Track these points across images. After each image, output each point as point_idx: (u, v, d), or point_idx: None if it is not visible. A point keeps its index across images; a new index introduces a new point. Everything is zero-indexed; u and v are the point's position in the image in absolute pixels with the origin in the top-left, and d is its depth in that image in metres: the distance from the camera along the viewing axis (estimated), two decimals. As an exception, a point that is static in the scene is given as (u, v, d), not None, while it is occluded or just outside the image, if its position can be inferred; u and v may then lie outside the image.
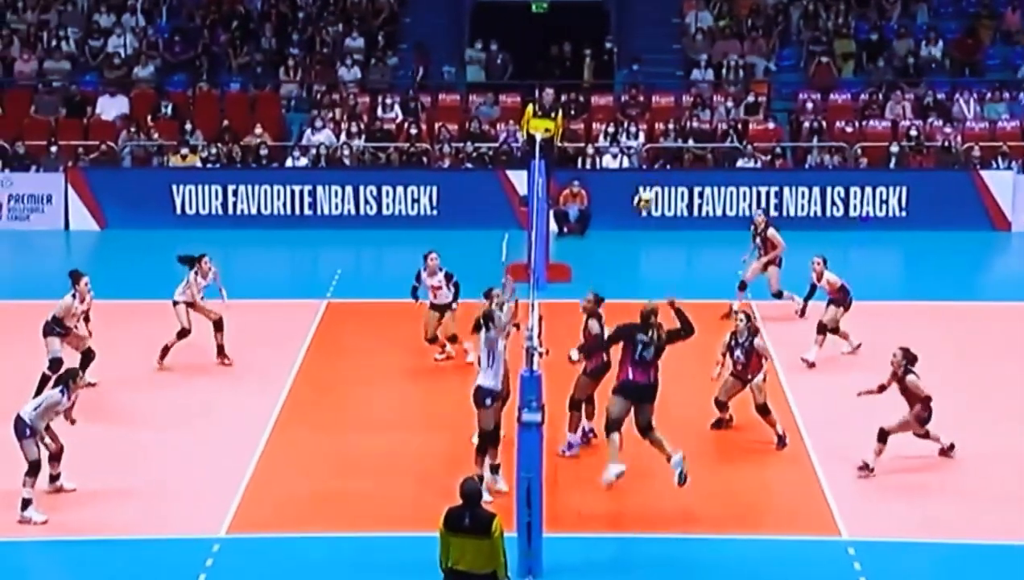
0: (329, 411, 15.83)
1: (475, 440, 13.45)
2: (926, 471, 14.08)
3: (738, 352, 14.63)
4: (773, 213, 24.42)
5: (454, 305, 16.93)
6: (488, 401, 13.04)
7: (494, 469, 13.28)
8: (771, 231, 18.87)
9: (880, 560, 12.25)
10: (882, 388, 14.13)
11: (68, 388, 13.06)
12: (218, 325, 17.00)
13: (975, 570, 12.22)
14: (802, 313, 18.59)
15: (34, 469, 12.83)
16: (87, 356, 15.75)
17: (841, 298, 17.27)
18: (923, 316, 19.32)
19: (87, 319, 15.94)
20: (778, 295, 18.88)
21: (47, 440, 13.10)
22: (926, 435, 14.08)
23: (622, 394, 13.03)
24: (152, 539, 12.61)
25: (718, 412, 14.96)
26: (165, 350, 16.86)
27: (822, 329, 17.11)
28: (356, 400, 16.18)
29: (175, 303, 16.87)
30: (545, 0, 29.14)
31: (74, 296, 15.73)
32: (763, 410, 14.57)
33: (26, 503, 12.77)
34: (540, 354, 12.23)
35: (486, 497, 12.02)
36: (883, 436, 13.79)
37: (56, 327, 15.64)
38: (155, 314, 18.07)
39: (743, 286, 18.83)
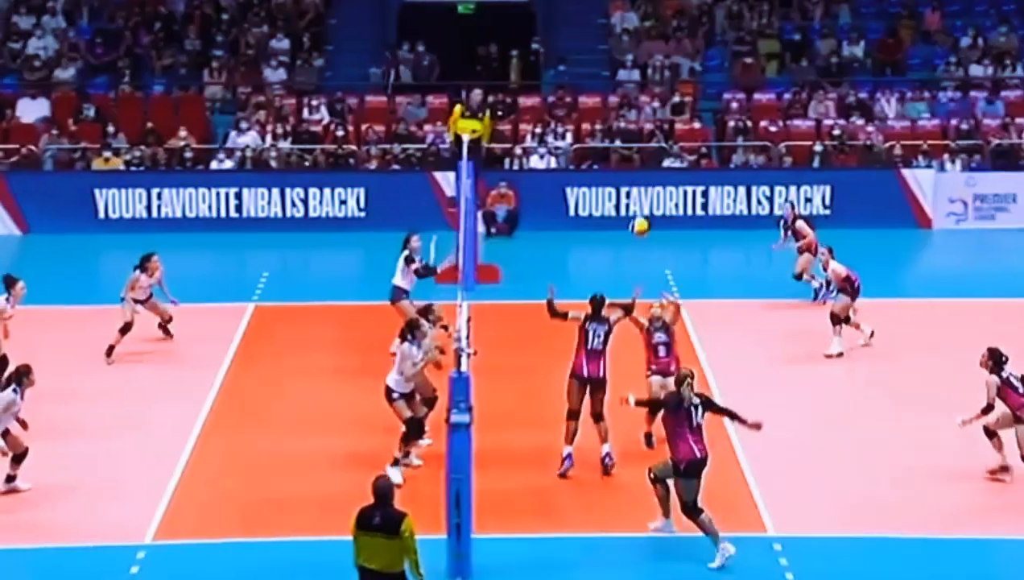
0: (256, 415, 15.71)
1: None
2: (848, 465, 14.25)
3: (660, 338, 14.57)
4: (699, 212, 24.73)
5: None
6: (395, 395, 13.78)
7: (396, 462, 13.68)
8: (799, 223, 19.68)
9: (806, 555, 12.38)
10: (987, 410, 13.53)
11: (21, 386, 13.02)
12: (166, 323, 17.51)
13: (899, 563, 12.38)
14: (815, 296, 19.35)
15: None
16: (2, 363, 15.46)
17: (847, 287, 17.45)
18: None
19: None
20: (798, 277, 19.49)
21: (6, 441, 12.97)
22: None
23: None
24: (77, 547, 12.45)
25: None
26: (111, 348, 17.00)
27: (835, 319, 17.33)
28: (284, 403, 16.07)
29: (122, 299, 16.97)
30: (471, 1, 29.12)
31: (7, 300, 15.51)
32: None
33: None
34: (469, 355, 12.22)
35: (397, 480, 12.40)
36: (990, 434, 13.70)
37: None
38: (79, 319, 17.86)
39: (799, 277, 19.53)
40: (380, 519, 10.08)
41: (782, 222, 20.13)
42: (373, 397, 15.55)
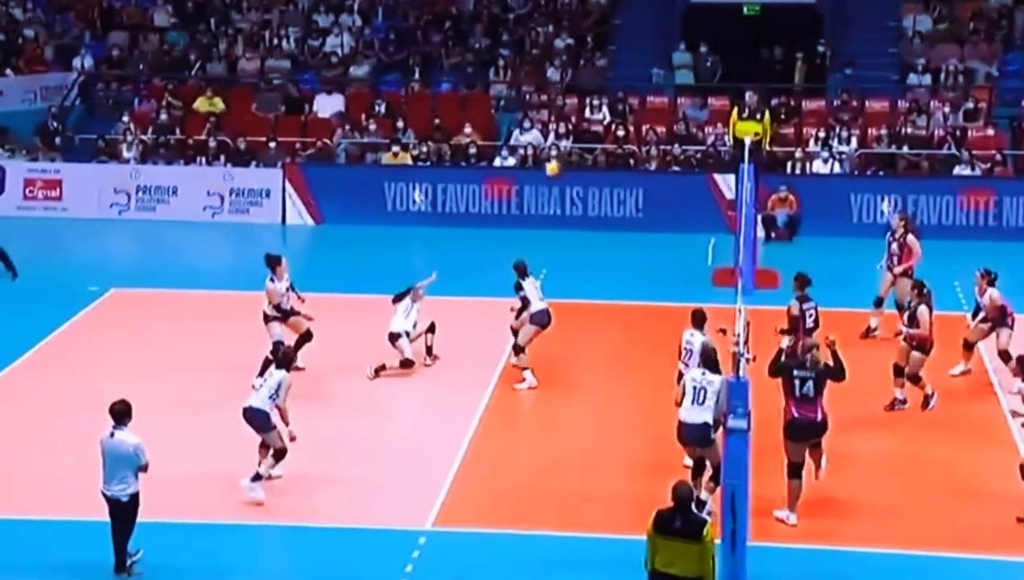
0: (535, 409, 15.98)
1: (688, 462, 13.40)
2: None
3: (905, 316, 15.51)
4: (991, 222, 23.76)
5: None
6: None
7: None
8: (911, 238, 17.85)
9: None
10: None
11: (288, 369, 13.51)
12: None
13: None
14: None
15: (281, 454, 13.25)
16: (305, 337, 16.45)
17: (999, 318, 16.29)
18: None
19: (301, 299, 16.52)
20: (901, 307, 17.49)
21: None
22: None
23: (792, 437, 12.82)
24: (362, 529, 12.92)
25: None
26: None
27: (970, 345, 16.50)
28: (561, 399, 16.26)
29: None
30: (757, 3, 28.77)
31: (272, 280, 16.37)
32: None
33: (258, 476, 13.19)
34: (748, 360, 12.10)
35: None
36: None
37: (272, 314, 16.30)
38: (368, 308, 18.50)
39: (879, 303, 17.91)
40: (681, 523, 10.12)
41: (888, 234, 18.04)
42: (652, 401, 15.61)
